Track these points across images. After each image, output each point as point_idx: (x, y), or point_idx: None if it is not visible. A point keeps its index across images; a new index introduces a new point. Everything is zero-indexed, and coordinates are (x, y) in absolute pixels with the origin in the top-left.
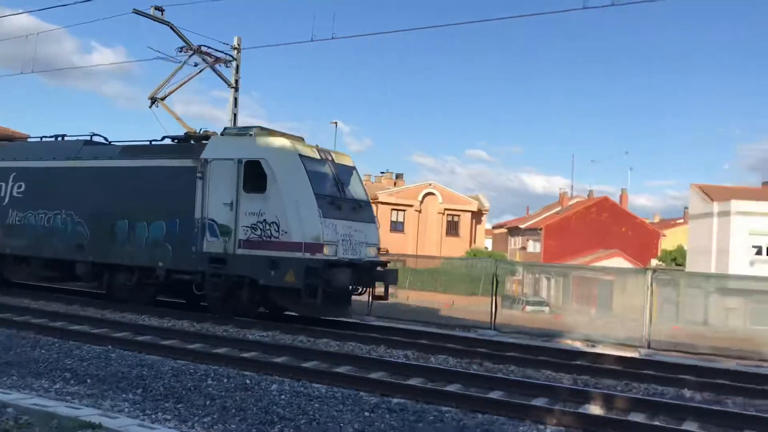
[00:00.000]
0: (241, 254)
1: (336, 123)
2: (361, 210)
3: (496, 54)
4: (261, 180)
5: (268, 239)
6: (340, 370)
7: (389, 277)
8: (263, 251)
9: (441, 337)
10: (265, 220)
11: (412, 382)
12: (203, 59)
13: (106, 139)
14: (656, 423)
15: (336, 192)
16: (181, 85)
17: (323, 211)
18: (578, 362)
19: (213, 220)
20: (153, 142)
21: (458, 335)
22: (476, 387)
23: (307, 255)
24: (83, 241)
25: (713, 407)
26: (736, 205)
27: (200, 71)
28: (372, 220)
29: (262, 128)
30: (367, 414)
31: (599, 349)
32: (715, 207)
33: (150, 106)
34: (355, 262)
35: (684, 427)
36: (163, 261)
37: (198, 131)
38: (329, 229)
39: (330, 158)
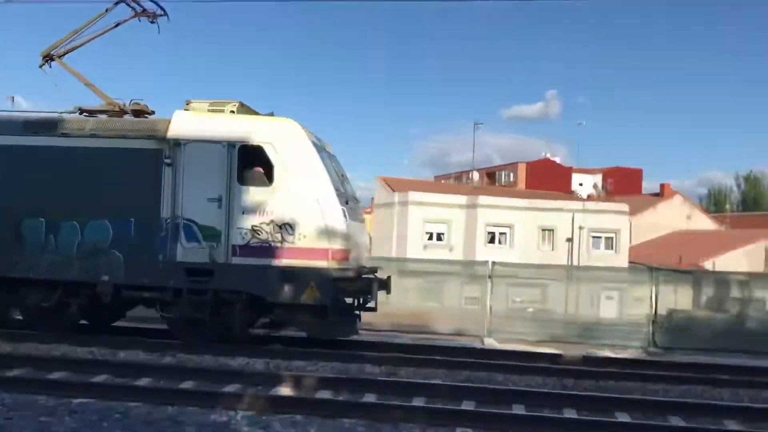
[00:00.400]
0: (237, 264)
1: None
2: (357, 208)
3: None
4: (266, 170)
5: (279, 245)
6: (12, 374)
7: (388, 286)
8: (272, 260)
9: (131, 330)
10: (272, 220)
11: (97, 379)
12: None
13: None
14: (340, 398)
15: (341, 187)
16: (89, 40)
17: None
18: (273, 347)
19: (191, 220)
20: (78, 114)
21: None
22: (168, 379)
23: (333, 264)
24: None
25: (390, 379)
26: (413, 196)
27: (116, 25)
28: (363, 220)
29: (242, 104)
30: (43, 419)
31: (290, 332)
32: (396, 197)
33: (41, 65)
34: (368, 270)
35: (364, 399)
36: (109, 274)
37: (127, 104)
38: (351, 232)
39: (324, 146)
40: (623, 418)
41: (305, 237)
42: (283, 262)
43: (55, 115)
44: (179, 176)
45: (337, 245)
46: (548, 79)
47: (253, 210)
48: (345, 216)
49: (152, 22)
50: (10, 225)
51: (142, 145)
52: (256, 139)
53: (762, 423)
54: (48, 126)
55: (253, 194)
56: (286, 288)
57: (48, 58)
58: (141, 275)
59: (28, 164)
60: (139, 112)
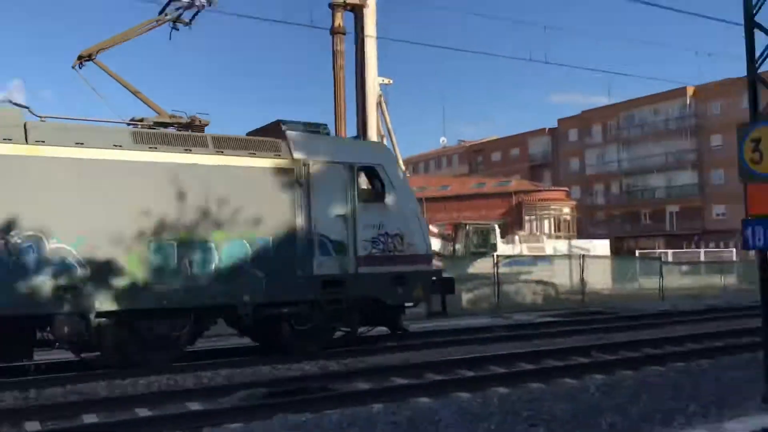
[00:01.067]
0: (363, 273)
1: None
2: None
3: None
4: (379, 188)
5: (391, 254)
6: None
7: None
8: (389, 267)
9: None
10: (386, 232)
11: None
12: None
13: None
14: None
15: None
16: (126, 39)
17: None
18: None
19: (324, 236)
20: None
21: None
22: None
23: (431, 267)
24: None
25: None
26: None
27: (158, 23)
28: None
29: (325, 125)
30: None
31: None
32: None
33: (75, 65)
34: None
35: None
36: (250, 294)
37: (184, 117)
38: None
39: None
40: None
41: (411, 245)
42: (397, 268)
43: (170, 128)
44: (310, 194)
45: (431, 251)
46: None
47: (371, 224)
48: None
49: (187, 24)
50: (131, 250)
51: (272, 163)
52: (371, 161)
53: None
54: (166, 140)
55: (371, 210)
56: (400, 290)
57: (84, 58)
58: (282, 292)
59: (146, 182)
60: (199, 127)
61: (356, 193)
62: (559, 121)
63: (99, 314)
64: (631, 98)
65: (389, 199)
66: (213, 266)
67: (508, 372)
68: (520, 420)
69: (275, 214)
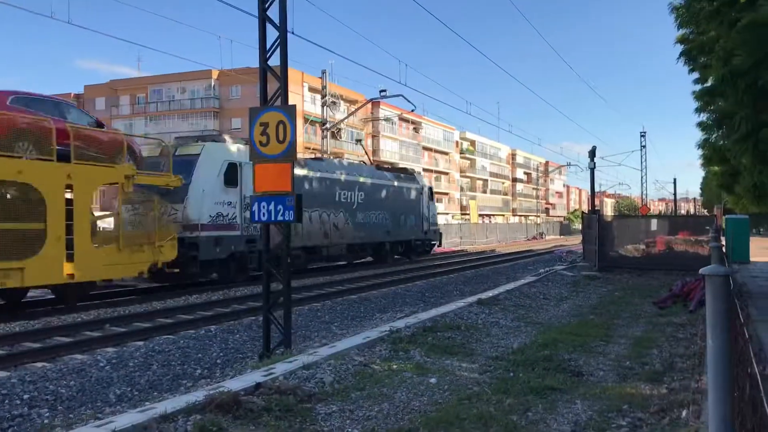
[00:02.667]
0: (426, 234)
1: None
2: None
3: None
4: (429, 197)
5: (429, 227)
6: None
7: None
8: (433, 234)
9: None
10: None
11: None
12: None
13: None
14: None
15: None
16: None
17: None
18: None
19: (426, 217)
20: (384, 167)
21: None
22: None
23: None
24: (389, 230)
25: None
26: None
27: None
28: None
29: (419, 173)
30: None
31: None
32: None
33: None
34: None
35: None
36: (413, 236)
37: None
38: None
39: None
40: None
41: (434, 224)
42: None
43: (390, 168)
44: (424, 200)
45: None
46: None
47: (430, 214)
48: None
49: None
50: (397, 219)
51: (414, 185)
52: (427, 184)
53: None
54: (389, 172)
55: (430, 206)
56: (428, 245)
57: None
58: (416, 236)
59: (375, 190)
60: (403, 170)
61: (428, 199)
62: (86, 87)
63: (349, 245)
64: (161, 74)
65: (431, 202)
66: (408, 226)
67: (9, 353)
68: (22, 403)
69: (415, 207)
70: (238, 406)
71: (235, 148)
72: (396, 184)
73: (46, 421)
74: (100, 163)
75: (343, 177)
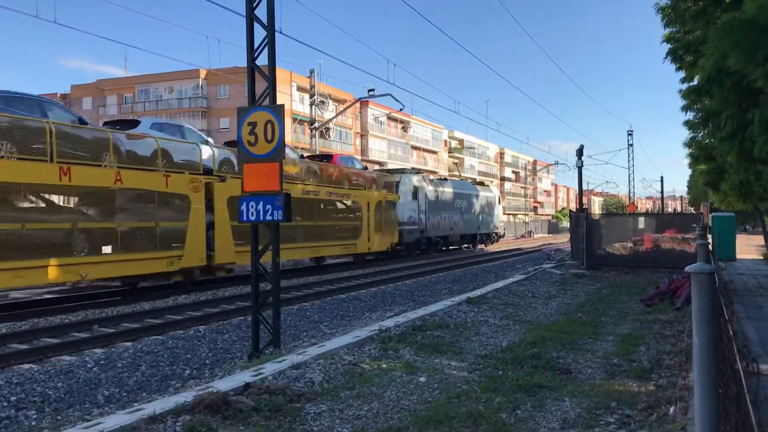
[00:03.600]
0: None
1: None
2: None
3: None
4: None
5: (497, 226)
6: None
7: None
8: (493, 230)
9: None
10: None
11: None
12: None
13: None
14: None
15: None
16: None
17: None
18: None
19: (497, 216)
20: (470, 182)
21: None
22: None
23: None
24: (479, 225)
25: None
26: None
27: None
28: None
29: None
30: None
31: None
32: None
33: None
34: None
35: None
36: (491, 230)
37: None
38: None
39: None
40: None
41: (500, 221)
42: (500, 230)
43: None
44: (496, 205)
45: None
46: None
47: (499, 214)
48: None
49: None
50: (466, 218)
51: (490, 194)
52: (497, 193)
53: None
54: (478, 186)
55: (498, 209)
56: (498, 236)
57: None
58: (486, 230)
59: (471, 199)
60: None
61: (499, 204)
62: (73, 87)
63: (461, 235)
64: (148, 73)
65: (500, 205)
66: (477, 224)
67: None
68: (9, 405)
69: (491, 209)
70: (227, 406)
71: (417, 178)
72: (481, 194)
73: (33, 423)
74: (369, 190)
75: (456, 191)
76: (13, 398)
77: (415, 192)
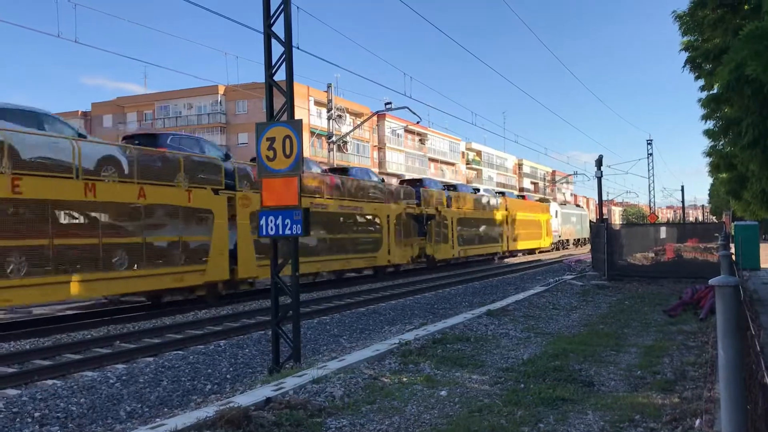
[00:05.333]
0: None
1: None
2: None
3: None
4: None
5: (560, 236)
6: None
7: None
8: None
9: None
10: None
11: None
12: None
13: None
14: None
15: None
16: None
17: None
18: None
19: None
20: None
21: None
22: None
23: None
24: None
25: None
26: None
27: None
28: None
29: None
30: None
31: None
32: None
33: None
34: None
35: None
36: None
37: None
38: None
39: None
40: None
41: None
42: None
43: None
44: (556, 217)
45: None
46: None
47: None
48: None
49: None
50: (482, 235)
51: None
52: (558, 208)
53: None
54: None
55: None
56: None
57: None
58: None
59: (573, 217)
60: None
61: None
62: (94, 105)
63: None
64: (167, 90)
65: (557, 218)
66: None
67: (20, 371)
68: (33, 422)
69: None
70: (248, 421)
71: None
72: (582, 213)
73: None
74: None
75: (573, 211)
76: (36, 414)
77: (556, 213)
